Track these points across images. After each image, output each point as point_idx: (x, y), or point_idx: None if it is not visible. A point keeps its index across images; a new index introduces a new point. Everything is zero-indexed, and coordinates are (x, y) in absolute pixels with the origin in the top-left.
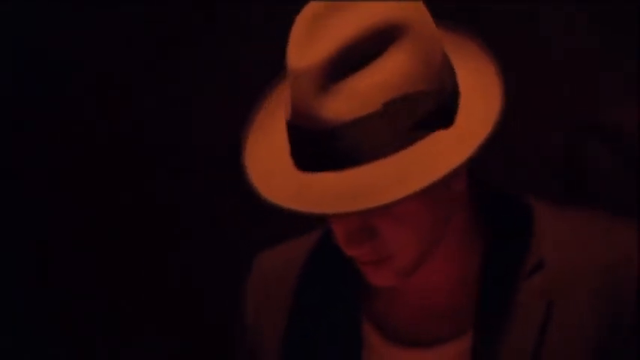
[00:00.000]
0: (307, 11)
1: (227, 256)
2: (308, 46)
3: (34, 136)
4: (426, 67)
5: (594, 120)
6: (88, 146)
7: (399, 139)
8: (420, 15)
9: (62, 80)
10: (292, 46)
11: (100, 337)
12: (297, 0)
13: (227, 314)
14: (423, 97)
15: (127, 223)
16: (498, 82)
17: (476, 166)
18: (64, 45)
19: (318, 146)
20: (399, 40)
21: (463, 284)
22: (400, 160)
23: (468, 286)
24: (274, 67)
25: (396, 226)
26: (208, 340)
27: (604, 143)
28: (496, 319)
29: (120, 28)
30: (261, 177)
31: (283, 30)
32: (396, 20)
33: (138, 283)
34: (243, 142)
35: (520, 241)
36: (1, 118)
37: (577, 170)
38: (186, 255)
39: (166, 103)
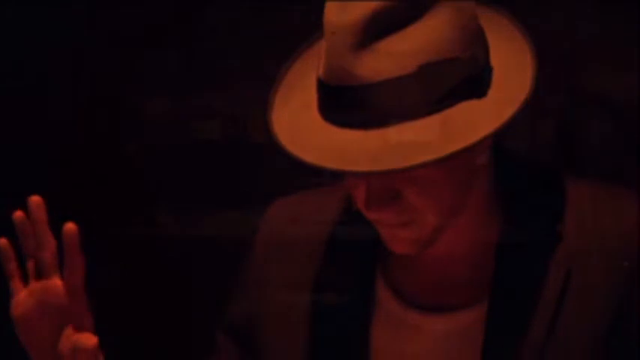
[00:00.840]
0: None
1: (227, 255)
2: (348, 3)
3: (34, 135)
4: (462, 36)
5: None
6: (88, 146)
7: (430, 103)
8: None
9: (59, 79)
10: (332, 3)
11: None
12: (297, 0)
13: (227, 314)
14: (457, 65)
15: (127, 223)
16: (532, 61)
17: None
18: (65, 45)
19: (349, 103)
20: (436, 6)
21: (482, 255)
22: (429, 125)
23: (487, 256)
24: (275, 66)
25: (419, 191)
26: (208, 339)
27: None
28: (513, 288)
29: (120, 28)
30: (286, 133)
31: (283, 30)
32: None
33: (137, 282)
34: (270, 100)
35: (540, 213)
36: (1, 117)
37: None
38: (186, 255)
39: (166, 103)
